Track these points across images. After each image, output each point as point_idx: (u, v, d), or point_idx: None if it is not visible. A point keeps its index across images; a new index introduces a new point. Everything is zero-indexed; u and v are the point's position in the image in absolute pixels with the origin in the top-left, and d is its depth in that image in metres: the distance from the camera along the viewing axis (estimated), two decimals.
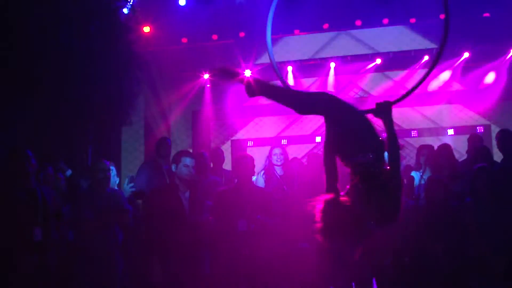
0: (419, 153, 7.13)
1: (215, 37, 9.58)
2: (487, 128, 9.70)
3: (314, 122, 10.38)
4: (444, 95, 10.04)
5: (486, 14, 8.88)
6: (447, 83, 10.03)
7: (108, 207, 5.83)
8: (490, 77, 9.78)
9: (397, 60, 9.67)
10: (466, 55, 9.59)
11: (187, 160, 5.79)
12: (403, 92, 4.16)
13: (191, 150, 8.95)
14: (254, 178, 6.99)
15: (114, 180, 6.56)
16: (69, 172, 6.82)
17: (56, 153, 7.34)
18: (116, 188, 6.63)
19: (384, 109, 3.83)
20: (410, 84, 9.83)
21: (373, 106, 3.85)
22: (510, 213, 5.53)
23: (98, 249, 5.69)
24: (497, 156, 7.10)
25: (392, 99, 3.91)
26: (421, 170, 6.93)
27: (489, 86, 9.82)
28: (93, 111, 8.00)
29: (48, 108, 7.47)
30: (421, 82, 4.14)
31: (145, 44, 9.23)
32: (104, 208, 5.80)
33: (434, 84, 10.04)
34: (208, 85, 10.33)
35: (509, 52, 9.54)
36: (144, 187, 6.69)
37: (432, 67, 4.25)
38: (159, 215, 5.67)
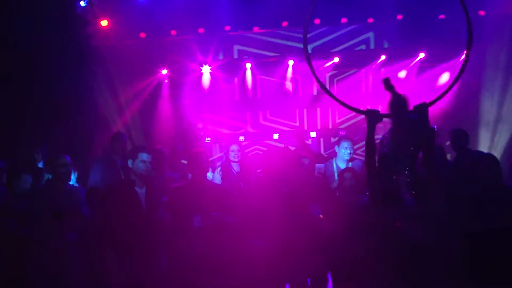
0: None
1: (173, 32, 9.54)
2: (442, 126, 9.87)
3: (272, 119, 10.43)
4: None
5: (441, 16, 9.09)
6: (402, 83, 10.20)
7: (65, 205, 5.75)
8: (444, 77, 9.98)
9: (354, 59, 9.79)
10: (421, 55, 9.77)
11: (144, 156, 5.73)
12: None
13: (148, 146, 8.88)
14: (210, 174, 7.01)
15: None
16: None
17: (10, 148, 7.20)
18: (75, 184, 6.55)
19: (421, 109, 4.52)
20: (367, 83, 10.01)
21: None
22: (461, 210, 5.65)
23: (53, 246, 5.61)
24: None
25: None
26: None
27: (444, 86, 10.01)
28: (47, 105, 7.88)
29: (4, 103, 7.33)
30: (454, 83, 4.56)
31: (102, 38, 9.12)
32: (62, 206, 5.71)
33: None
34: (166, 80, 10.26)
35: (463, 53, 9.74)
36: (98, 182, 6.61)
37: (463, 68, 4.87)
38: (115, 211, 5.61)
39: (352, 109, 4.47)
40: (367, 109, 4.38)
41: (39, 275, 5.57)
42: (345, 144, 7.01)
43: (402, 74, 9.95)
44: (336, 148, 7.11)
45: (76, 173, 6.81)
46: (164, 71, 10.17)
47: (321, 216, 5.84)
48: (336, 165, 7.00)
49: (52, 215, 5.56)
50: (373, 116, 4.52)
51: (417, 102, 4.83)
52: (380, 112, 4.45)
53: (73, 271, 5.73)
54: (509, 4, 8.84)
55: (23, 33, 7.64)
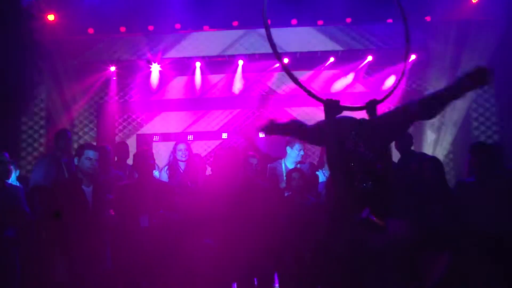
0: (323, 152, 7.31)
1: (123, 29, 9.42)
2: None
3: (221, 119, 10.42)
4: (347, 96, 10.33)
5: (389, 20, 9.27)
6: (350, 85, 10.35)
7: (5, 204, 5.61)
8: (390, 80, 10.17)
9: (303, 60, 9.86)
10: (369, 58, 9.93)
11: (90, 153, 5.63)
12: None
13: (95, 143, 8.74)
14: (157, 173, 6.94)
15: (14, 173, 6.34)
16: None
17: None
18: (15, 182, 6.39)
19: (371, 106, 4.33)
20: (316, 84, 10.11)
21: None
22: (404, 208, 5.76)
23: None
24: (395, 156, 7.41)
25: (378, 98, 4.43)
26: (324, 169, 7.14)
27: (390, 89, 10.20)
28: None
29: None
30: (400, 80, 4.64)
31: (49, 32, 8.94)
32: (1, 205, 5.57)
33: (338, 85, 10.33)
34: (114, 78, 10.12)
35: (410, 56, 9.95)
36: (41, 180, 6.46)
37: (405, 68, 4.81)
38: (61, 209, 5.50)
39: (312, 95, 4.31)
40: (327, 98, 4.27)
41: None
42: (298, 146, 7.04)
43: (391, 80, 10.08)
44: (288, 148, 7.14)
45: (17, 171, 6.65)
46: (113, 68, 10.03)
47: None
48: (285, 165, 7.04)
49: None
50: (332, 107, 4.34)
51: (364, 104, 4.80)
52: (340, 104, 4.30)
53: (12, 269, 5.58)
54: (454, 11, 9.09)
55: None
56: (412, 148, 7.14)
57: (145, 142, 9.93)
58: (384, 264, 5.60)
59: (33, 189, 6.32)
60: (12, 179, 6.27)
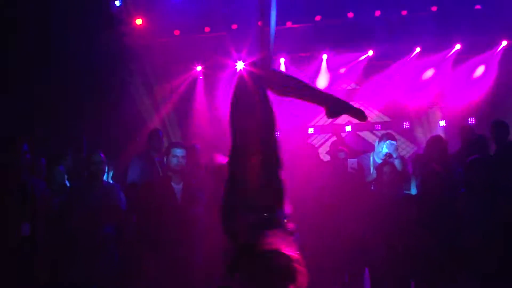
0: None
1: (207, 29, 9.59)
2: (478, 120, 9.71)
3: (308, 115, 10.38)
4: (435, 87, 10.06)
5: (478, 6, 8.95)
6: (439, 75, 10.06)
7: (102, 203, 5.82)
8: (480, 70, 9.83)
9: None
10: (457, 46, 9.63)
11: (177, 151, 5.76)
12: None
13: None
14: None
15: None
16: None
17: (50, 145, 7.32)
18: (110, 181, 6.63)
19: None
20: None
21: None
22: (503, 205, 5.54)
23: (93, 243, 5.69)
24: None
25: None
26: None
27: (479, 79, 9.86)
28: (87, 103, 8.00)
29: (42, 99, 7.46)
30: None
31: (137, 36, 9.23)
32: (99, 203, 5.78)
33: (428, 74, 10.07)
34: (200, 77, 10.32)
35: (500, 44, 9.59)
36: (136, 179, 6.67)
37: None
38: (151, 207, 5.66)
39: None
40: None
41: (80, 269, 5.63)
42: (389, 144, 6.87)
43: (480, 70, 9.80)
44: (377, 143, 7.04)
45: (112, 171, 6.89)
46: (199, 68, 10.24)
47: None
48: (373, 159, 6.94)
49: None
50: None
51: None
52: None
53: (113, 266, 5.79)
54: None
55: (59, 33, 7.77)
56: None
57: None
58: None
59: (130, 187, 6.54)
60: (107, 178, 6.51)
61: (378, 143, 6.96)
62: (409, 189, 6.66)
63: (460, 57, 9.83)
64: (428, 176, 5.93)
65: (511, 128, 6.71)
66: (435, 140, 6.68)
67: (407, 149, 10.03)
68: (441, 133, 7.94)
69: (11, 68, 7.21)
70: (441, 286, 5.63)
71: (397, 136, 7.20)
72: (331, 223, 5.82)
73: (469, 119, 9.62)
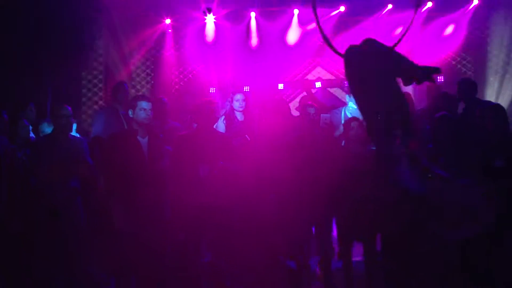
0: None
1: None
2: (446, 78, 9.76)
3: (277, 70, 10.32)
4: (405, 45, 10.04)
5: None
6: (409, 32, 10.02)
7: (69, 155, 5.74)
8: (450, 29, 9.84)
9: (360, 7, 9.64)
10: (429, 4, 9.59)
11: (143, 104, 5.69)
12: None
13: (151, 96, 8.83)
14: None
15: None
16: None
17: (15, 99, 7.16)
18: (76, 134, 6.54)
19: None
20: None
21: None
22: (470, 160, 5.62)
23: (58, 198, 5.63)
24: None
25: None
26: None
27: (449, 37, 9.88)
28: (52, 55, 7.80)
29: (3, 50, 7.25)
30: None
31: None
32: (65, 156, 5.70)
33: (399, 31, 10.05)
34: (169, 30, 10.13)
35: (471, 3, 9.60)
36: (101, 133, 6.59)
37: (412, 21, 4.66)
38: (117, 160, 5.61)
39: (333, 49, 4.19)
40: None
41: (47, 221, 5.59)
42: None
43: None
44: (348, 97, 7.05)
45: (75, 124, 6.79)
46: (168, 21, 10.03)
47: None
48: (345, 114, 6.95)
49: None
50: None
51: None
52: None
53: (77, 218, 5.75)
54: None
55: None
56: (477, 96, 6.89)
57: (202, 94, 9.94)
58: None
59: (94, 140, 6.45)
60: (73, 131, 6.41)
61: (350, 97, 6.97)
62: None
63: (431, 15, 9.81)
64: None
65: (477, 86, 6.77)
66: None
67: None
68: (409, 91, 7.96)
69: None
70: (407, 238, 5.71)
71: None
72: (300, 178, 5.82)
73: (437, 77, 9.66)
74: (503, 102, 8.87)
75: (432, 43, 9.87)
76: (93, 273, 6.11)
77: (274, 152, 5.83)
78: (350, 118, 6.52)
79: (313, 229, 6.18)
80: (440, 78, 9.52)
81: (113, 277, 5.97)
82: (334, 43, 4.73)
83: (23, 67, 7.59)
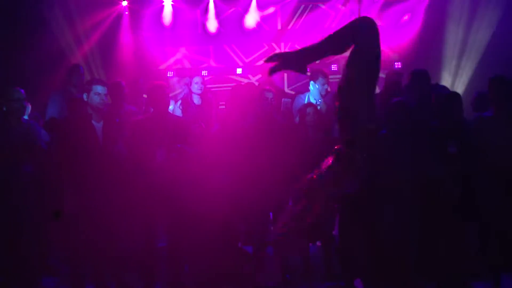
0: None
1: None
2: (404, 64, 9.84)
3: (235, 54, 10.27)
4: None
5: None
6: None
7: (22, 140, 5.62)
8: (407, 15, 9.92)
9: None
10: None
11: (99, 88, 5.60)
12: None
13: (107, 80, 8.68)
14: (171, 107, 6.90)
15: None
16: None
17: None
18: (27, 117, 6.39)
19: None
20: None
21: None
22: (422, 146, 5.70)
23: (8, 181, 5.54)
24: None
25: None
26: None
27: (407, 23, 9.96)
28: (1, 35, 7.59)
29: None
30: None
31: None
32: (18, 141, 5.58)
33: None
34: (126, 12, 9.96)
35: None
36: (56, 116, 6.47)
37: None
38: (71, 145, 5.52)
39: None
40: None
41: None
42: (322, 80, 6.99)
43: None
44: (312, 83, 7.07)
45: (29, 107, 6.64)
46: (125, 3, 9.85)
47: None
48: (308, 99, 6.98)
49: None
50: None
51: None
52: None
53: (29, 202, 5.65)
54: None
55: None
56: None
57: (159, 77, 9.83)
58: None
59: (48, 123, 6.33)
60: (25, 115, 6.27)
61: (314, 82, 7.00)
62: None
63: (388, 1, 9.88)
64: None
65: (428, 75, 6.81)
66: None
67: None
68: None
69: None
70: (364, 226, 5.79)
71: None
72: (256, 163, 5.83)
73: (395, 63, 9.75)
74: (460, 84, 9.06)
75: (390, 29, 9.94)
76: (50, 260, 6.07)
77: (232, 137, 5.82)
78: (305, 104, 6.54)
79: (271, 215, 6.20)
80: (398, 64, 9.64)
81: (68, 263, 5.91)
82: (293, 28, 4.66)
83: None
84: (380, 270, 5.63)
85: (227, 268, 5.76)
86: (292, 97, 7.75)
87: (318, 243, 6.34)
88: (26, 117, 6.22)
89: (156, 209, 5.70)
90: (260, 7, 10.00)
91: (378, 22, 3.29)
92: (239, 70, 10.07)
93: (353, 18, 8.45)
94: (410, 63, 8.99)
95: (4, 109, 5.78)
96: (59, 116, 6.40)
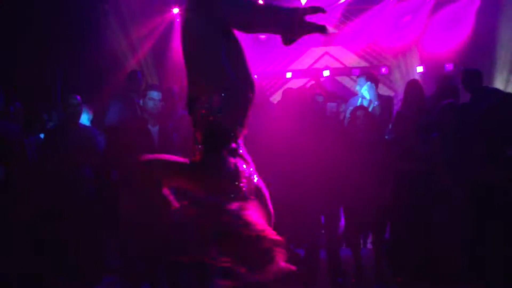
0: None
1: None
2: (455, 66, 9.71)
3: (287, 59, 10.31)
4: (414, 31, 10.01)
5: None
6: (417, 19, 10.00)
7: (79, 145, 5.79)
8: (459, 15, 9.78)
9: None
10: None
11: (152, 94, 5.74)
12: None
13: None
14: None
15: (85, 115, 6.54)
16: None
17: (25, 88, 7.21)
18: (87, 123, 6.59)
19: None
20: None
21: None
22: (474, 149, 5.63)
23: (69, 183, 5.70)
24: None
25: None
26: None
27: (458, 24, 9.82)
28: (60, 45, 7.83)
29: (14, 42, 7.29)
30: None
31: None
32: (75, 146, 5.75)
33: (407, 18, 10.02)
34: (177, 20, 10.14)
35: None
36: (115, 121, 6.62)
37: None
38: (128, 149, 5.65)
39: None
40: None
41: (59, 209, 5.64)
42: (363, 80, 7.02)
43: None
44: (369, 84, 7.06)
45: (89, 114, 6.84)
46: (176, 10, 10.04)
47: None
48: (361, 102, 7.00)
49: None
50: None
51: None
52: None
53: (88, 205, 5.81)
54: None
55: None
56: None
57: None
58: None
59: (108, 129, 6.50)
60: (85, 121, 6.46)
61: (371, 84, 7.00)
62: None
63: (440, 1, 9.77)
64: (401, 119, 6.00)
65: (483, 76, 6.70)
66: (412, 85, 6.70)
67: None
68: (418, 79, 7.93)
69: None
70: (416, 228, 5.76)
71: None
72: (308, 167, 5.86)
73: (446, 65, 9.62)
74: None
75: (441, 30, 9.81)
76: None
77: (283, 140, 5.86)
78: (355, 107, 6.53)
79: (322, 218, 6.22)
80: (449, 66, 9.50)
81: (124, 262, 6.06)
82: (341, 32, 4.68)
83: (33, 58, 7.64)
84: (431, 272, 5.59)
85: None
86: (339, 101, 7.73)
87: (369, 246, 6.33)
88: (85, 122, 6.41)
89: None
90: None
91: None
92: (288, 74, 10.12)
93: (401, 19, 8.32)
94: (462, 64, 8.85)
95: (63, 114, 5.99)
96: (118, 121, 6.56)
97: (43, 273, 5.57)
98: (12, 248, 5.31)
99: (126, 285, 5.79)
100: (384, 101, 7.10)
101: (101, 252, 6.14)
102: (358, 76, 7.18)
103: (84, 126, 6.25)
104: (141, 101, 5.78)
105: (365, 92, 7.04)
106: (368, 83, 7.11)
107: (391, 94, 9.90)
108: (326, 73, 9.99)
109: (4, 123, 5.52)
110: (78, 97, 6.05)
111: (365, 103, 6.93)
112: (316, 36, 3.25)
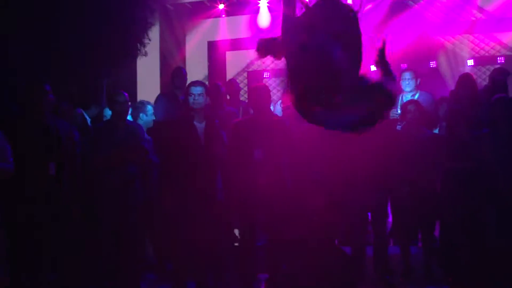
0: None
1: None
2: (508, 58, 9.44)
3: None
4: (464, 24, 9.77)
5: None
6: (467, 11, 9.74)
7: (125, 141, 5.86)
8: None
9: None
10: None
11: (192, 89, 5.74)
12: None
13: (206, 82, 8.89)
14: (271, 107, 6.94)
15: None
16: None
17: (71, 87, 7.31)
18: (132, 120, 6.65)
19: None
20: None
21: None
22: None
23: (117, 182, 5.75)
24: None
25: None
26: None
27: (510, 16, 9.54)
28: (106, 43, 7.92)
29: (60, 41, 7.40)
30: None
31: None
32: (122, 143, 5.82)
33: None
34: (223, 16, 10.16)
35: None
36: (161, 118, 6.68)
37: None
38: (174, 145, 5.69)
39: None
40: None
41: (107, 206, 5.72)
42: (406, 75, 6.85)
43: None
44: (404, 83, 6.94)
45: (150, 107, 6.91)
46: (221, 6, 10.06)
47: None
48: (401, 98, 6.86)
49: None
50: None
51: None
52: None
53: (137, 203, 5.87)
54: None
55: None
56: None
57: (255, 78, 9.95)
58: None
59: (154, 125, 6.56)
60: (130, 118, 6.53)
61: (405, 80, 6.87)
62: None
63: None
64: (454, 114, 5.86)
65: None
66: (464, 78, 6.55)
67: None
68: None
69: (32, 12, 7.13)
70: (465, 224, 5.63)
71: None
72: (356, 163, 5.78)
73: (498, 58, 9.37)
74: None
75: (493, 23, 9.55)
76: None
77: (330, 135, 5.79)
78: (407, 101, 6.40)
79: (369, 215, 6.14)
80: (501, 59, 9.25)
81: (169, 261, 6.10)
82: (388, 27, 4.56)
83: (79, 55, 7.74)
84: (483, 274, 5.46)
85: (325, 268, 5.75)
86: None
87: (419, 244, 6.21)
88: (131, 119, 6.48)
89: (254, 207, 5.77)
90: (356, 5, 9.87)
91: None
92: None
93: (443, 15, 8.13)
94: None
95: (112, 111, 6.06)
96: (164, 118, 6.61)
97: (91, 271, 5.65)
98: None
99: (171, 283, 5.83)
100: (427, 96, 6.91)
101: (144, 249, 6.19)
102: (403, 71, 7.00)
103: (132, 123, 6.30)
104: (184, 98, 5.79)
105: (407, 87, 6.89)
106: (411, 77, 6.96)
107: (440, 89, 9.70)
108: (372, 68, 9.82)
109: (58, 120, 5.61)
110: (126, 93, 6.10)
111: (405, 99, 6.77)
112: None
